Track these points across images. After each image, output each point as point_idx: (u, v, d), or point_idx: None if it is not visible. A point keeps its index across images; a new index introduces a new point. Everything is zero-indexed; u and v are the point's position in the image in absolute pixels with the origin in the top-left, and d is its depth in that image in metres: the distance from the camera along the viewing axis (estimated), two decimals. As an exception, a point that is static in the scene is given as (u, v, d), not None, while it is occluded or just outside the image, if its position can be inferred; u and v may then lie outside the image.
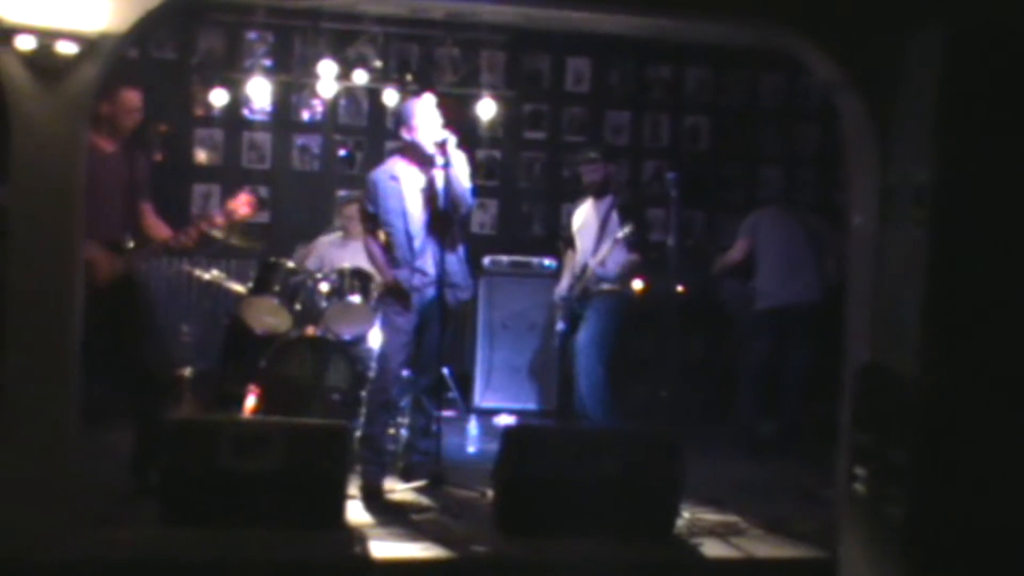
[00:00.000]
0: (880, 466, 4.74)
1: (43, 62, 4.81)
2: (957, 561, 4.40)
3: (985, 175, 4.47)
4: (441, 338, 6.43)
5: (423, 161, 6.37)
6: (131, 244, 5.81)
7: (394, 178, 6.42)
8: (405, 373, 6.66)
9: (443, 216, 6.32)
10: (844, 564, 5.13)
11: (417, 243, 6.35)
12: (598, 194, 7.43)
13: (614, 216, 7.21)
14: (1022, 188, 4.47)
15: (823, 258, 7.94)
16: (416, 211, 6.36)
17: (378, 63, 9.14)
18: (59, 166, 5.00)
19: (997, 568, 4.38)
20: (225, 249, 8.07)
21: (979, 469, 4.44)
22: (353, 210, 7.64)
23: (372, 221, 6.50)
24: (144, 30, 5.20)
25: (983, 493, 4.43)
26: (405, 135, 6.44)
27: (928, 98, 4.56)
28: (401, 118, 6.56)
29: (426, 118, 6.36)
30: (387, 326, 6.52)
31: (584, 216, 7.49)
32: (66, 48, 4.80)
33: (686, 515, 5.81)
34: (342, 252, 7.85)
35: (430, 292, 6.34)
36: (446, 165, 6.26)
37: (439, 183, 6.33)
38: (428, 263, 6.34)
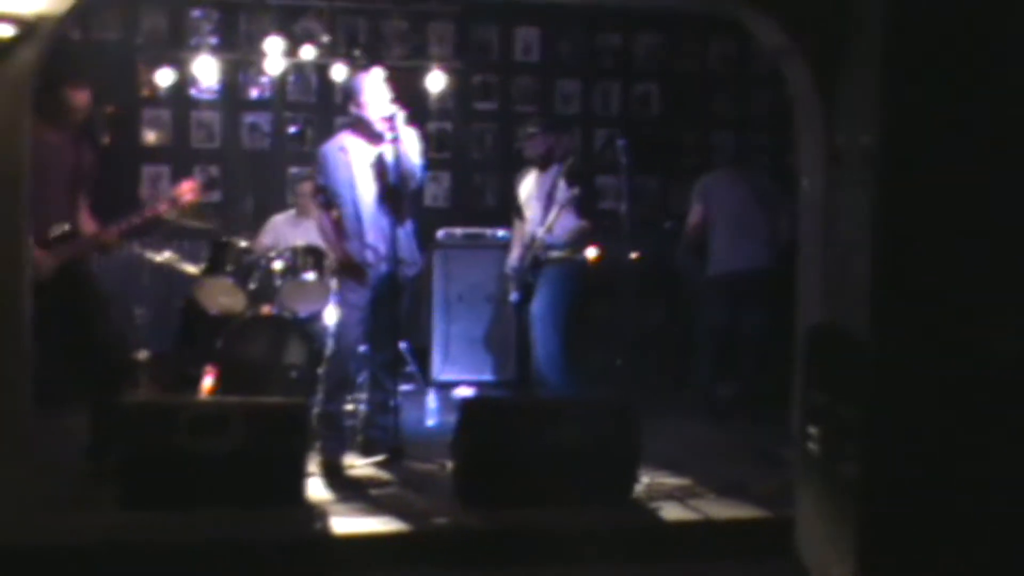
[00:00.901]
0: (833, 426, 4.79)
1: (-19, 46, 4.76)
2: (910, 519, 4.46)
3: (931, 136, 4.50)
4: (395, 313, 6.44)
5: (373, 136, 6.35)
6: (61, 234, 5.70)
7: (344, 151, 6.40)
8: (362, 349, 6.66)
9: (393, 191, 6.31)
10: (800, 523, 5.18)
11: (367, 217, 6.34)
12: (542, 166, 7.43)
13: (561, 184, 7.21)
14: (968, 149, 4.51)
15: (775, 220, 7.94)
16: (366, 185, 6.35)
17: (326, 38, 9.10)
18: (3, 150, 4.94)
19: (949, 525, 4.44)
20: (177, 230, 8.05)
21: (931, 427, 4.50)
22: (307, 187, 7.62)
23: (324, 195, 6.48)
24: (85, 11, 5.14)
25: (935, 451, 4.48)
26: (354, 110, 6.41)
27: (873, 61, 4.59)
28: (350, 93, 6.52)
29: (375, 92, 6.34)
30: (341, 302, 6.53)
31: (529, 187, 7.49)
32: (3, 31, 4.74)
33: (645, 480, 5.85)
34: (296, 230, 7.82)
35: (382, 267, 6.34)
36: (395, 139, 6.24)
37: (389, 158, 6.31)
38: (379, 238, 6.34)
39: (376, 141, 6.33)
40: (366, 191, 6.34)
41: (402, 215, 6.37)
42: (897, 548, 4.47)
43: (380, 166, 6.33)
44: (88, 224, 5.97)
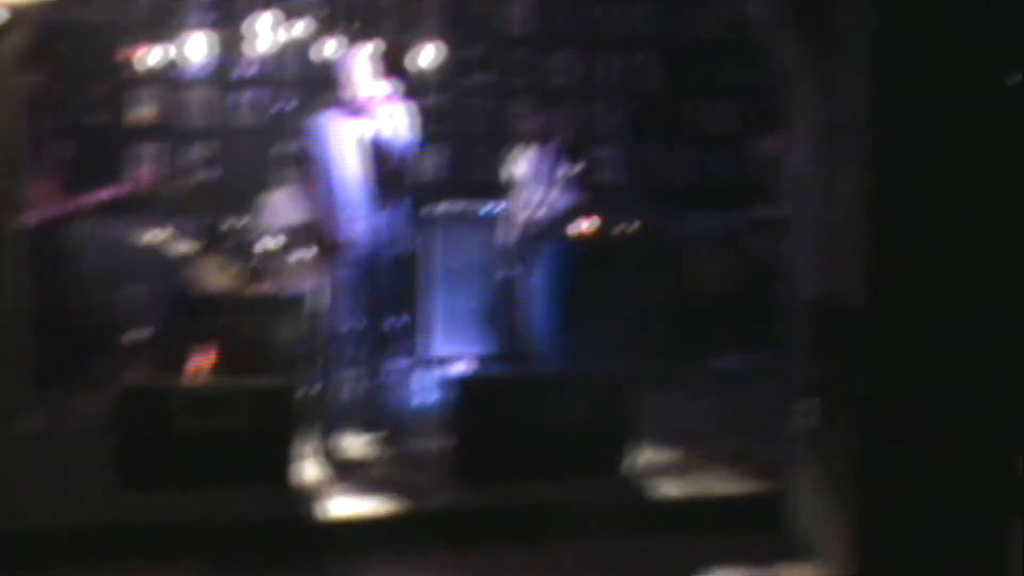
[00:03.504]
0: (830, 398, 4.79)
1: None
2: (905, 491, 4.46)
3: (923, 107, 4.48)
4: (388, 289, 6.41)
5: (361, 112, 6.31)
6: None
7: (333, 127, 6.36)
8: (358, 326, 6.63)
9: (380, 168, 6.28)
10: (796, 496, 5.18)
11: (355, 194, 6.31)
12: (539, 142, 7.39)
13: (558, 162, 7.18)
14: (961, 120, 4.49)
15: None
16: (353, 161, 6.31)
17: (317, 13, 9.02)
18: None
19: (945, 498, 4.44)
20: (171, 209, 8.03)
21: (927, 400, 4.49)
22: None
23: (312, 169, 6.45)
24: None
25: (931, 424, 4.48)
26: (343, 86, 6.38)
27: (866, 32, 4.56)
28: (339, 69, 6.49)
29: (363, 69, 6.30)
30: (330, 280, 6.49)
31: (525, 164, 7.46)
32: (-6, 17, 4.71)
33: (642, 455, 5.84)
34: (294, 207, 7.77)
35: (374, 243, 6.31)
36: (390, 115, 6.21)
37: (382, 134, 6.28)
38: (366, 215, 6.31)
39: (364, 118, 6.29)
40: (354, 167, 6.31)
41: (391, 191, 6.33)
42: (893, 521, 4.47)
43: (368, 143, 6.29)
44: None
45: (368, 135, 6.32)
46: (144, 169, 6.23)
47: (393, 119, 6.22)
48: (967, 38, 4.40)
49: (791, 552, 5.01)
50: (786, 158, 7.30)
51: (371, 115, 6.31)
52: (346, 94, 6.42)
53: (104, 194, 6.17)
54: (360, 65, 6.31)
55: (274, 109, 9.30)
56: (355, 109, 6.34)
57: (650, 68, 10.00)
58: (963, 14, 4.38)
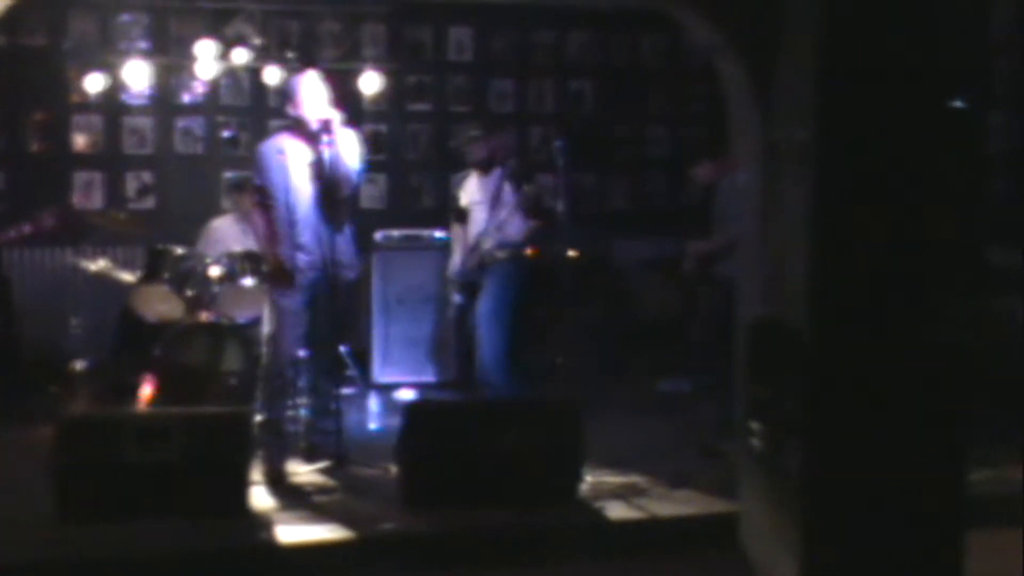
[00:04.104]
0: (775, 419, 4.84)
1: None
2: (853, 511, 4.50)
3: (865, 130, 4.55)
4: (333, 317, 6.40)
5: (310, 137, 6.30)
6: None
7: (280, 152, 6.34)
8: (301, 353, 6.61)
9: (329, 194, 6.28)
10: (744, 518, 5.23)
11: (301, 220, 6.30)
12: (485, 169, 7.41)
13: (506, 186, 7.21)
14: (902, 142, 4.57)
15: None
16: (302, 187, 6.30)
17: (258, 41, 9.01)
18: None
19: (892, 518, 4.50)
20: (112, 238, 7.97)
21: (872, 420, 4.55)
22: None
23: (260, 195, 6.43)
24: (12, 16, 5.04)
25: (876, 443, 4.53)
26: (291, 111, 6.37)
27: (807, 57, 4.63)
28: (287, 94, 6.49)
29: (311, 94, 6.30)
30: (274, 307, 6.46)
31: (472, 190, 7.48)
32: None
33: (589, 479, 5.87)
34: (238, 235, 7.75)
35: (316, 271, 6.31)
36: (331, 143, 6.21)
37: (325, 161, 6.27)
38: (313, 241, 6.30)
39: (313, 142, 6.29)
40: (302, 193, 6.30)
41: (340, 218, 6.33)
42: (841, 542, 4.52)
43: (317, 168, 6.29)
44: None
45: (312, 162, 6.32)
46: (49, 213, 6.35)
47: (336, 146, 6.22)
48: (909, 62, 4.48)
49: (744, 572, 5.05)
50: (720, 184, 7.46)
51: (315, 142, 6.30)
52: (290, 121, 6.42)
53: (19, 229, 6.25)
54: (307, 90, 6.30)
55: (219, 135, 9.26)
56: (302, 134, 6.33)
57: (585, 95, 10.10)
58: (911, 37, 4.47)
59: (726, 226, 7.39)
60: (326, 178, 6.25)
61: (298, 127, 6.35)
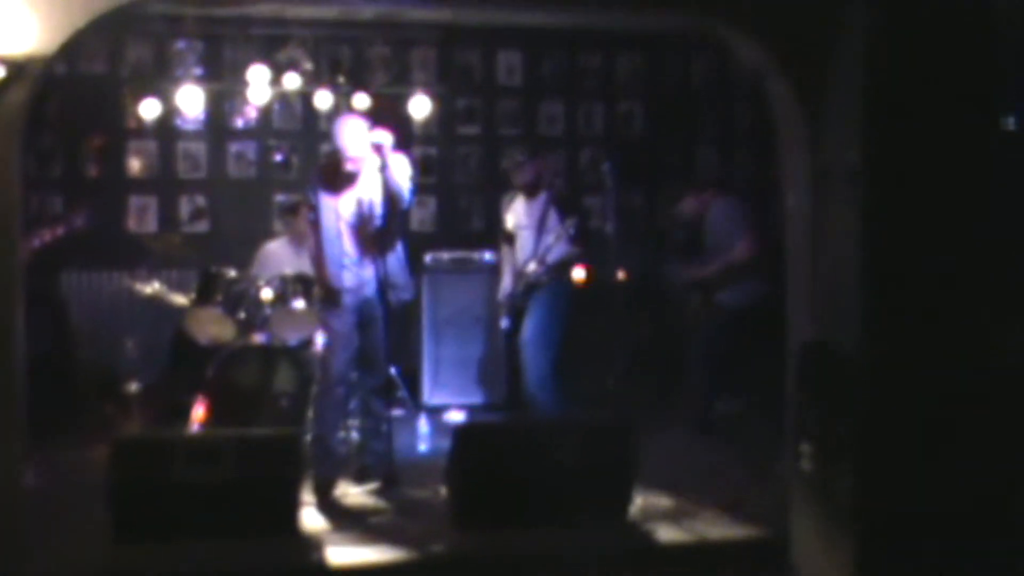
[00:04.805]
0: (826, 443, 4.82)
1: (-29, 87, 4.74)
2: (904, 534, 4.48)
3: (914, 153, 4.54)
4: (385, 338, 6.45)
5: (358, 161, 6.38)
6: None
7: (329, 177, 6.44)
8: (353, 375, 6.66)
9: (377, 217, 6.35)
10: (795, 541, 5.20)
11: (350, 242, 6.38)
12: (531, 192, 7.43)
13: (552, 212, 7.23)
14: (951, 164, 4.55)
15: None
16: (349, 212, 6.39)
17: (309, 66, 9.10)
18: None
19: (943, 540, 4.47)
20: (166, 261, 8.06)
21: (922, 442, 4.52)
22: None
23: (313, 214, 6.52)
24: (72, 47, 5.13)
25: (927, 466, 4.51)
26: (339, 138, 6.46)
27: (856, 79, 4.63)
28: (334, 122, 6.63)
29: (351, 138, 6.40)
30: (326, 328, 6.56)
31: (518, 214, 7.49)
32: (-7, 73, 4.73)
33: (640, 500, 5.86)
34: (292, 257, 7.81)
35: (367, 292, 6.38)
36: (383, 167, 6.27)
37: (376, 184, 6.35)
38: (364, 263, 6.37)
39: (359, 167, 6.37)
40: (347, 218, 6.40)
41: (390, 240, 6.39)
42: (892, 564, 4.49)
43: (363, 193, 6.38)
44: None
45: (363, 185, 6.40)
46: (78, 214, 6.51)
47: (387, 169, 6.29)
48: (961, 84, 4.47)
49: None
50: (708, 215, 7.59)
51: (366, 164, 6.38)
52: (341, 144, 6.49)
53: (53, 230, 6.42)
54: (349, 135, 6.40)
55: (270, 159, 9.36)
56: (350, 158, 6.40)
57: (634, 117, 10.11)
58: (959, 61, 4.46)
59: (720, 254, 7.62)
60: (372, 203, 6.33)
61: (345, 151, 6.42)
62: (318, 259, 6.51)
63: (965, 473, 4.55)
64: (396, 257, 6.43)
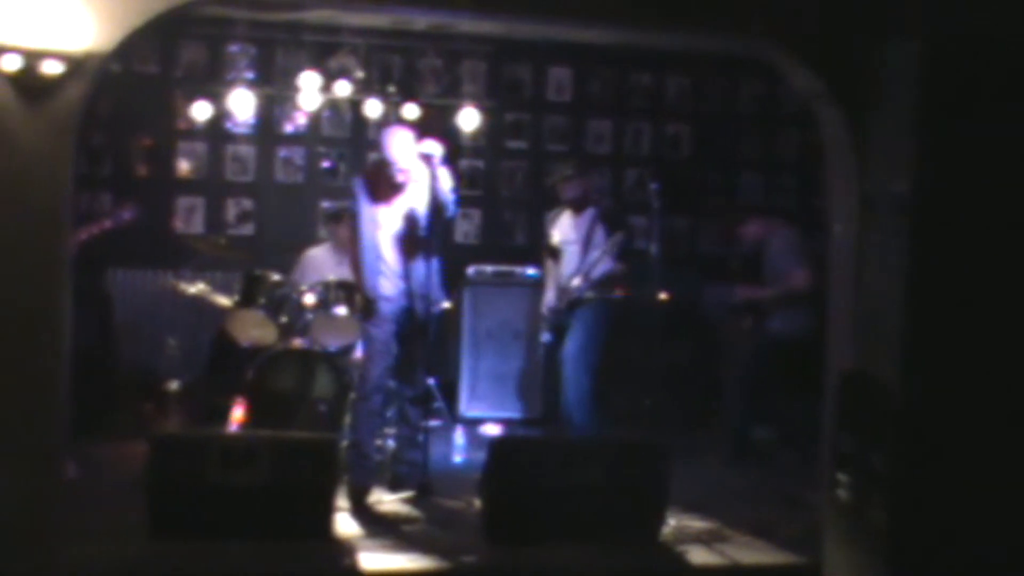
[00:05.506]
0: (862, 472, 4.79)
1: (29, 82, 4.79)
2: (940, 566, 4.45)
3: (964, 183, 4.52)
4: (422, 348, 6.49)
5: (403, 172, 6.44)
6: None
7: (373, 186, 6.50)
8: (391, 383, 6.70)
9: (421, 227, 6.42)
10: (828, 570, 5.17)
11: (389, 252, 6.45)
12: (578, 208, 7.44)
13: (598, 228, 7.25)
14: (1000, 195, 4.53)
15: None
16: (393, 221, 6.46)
17: (360, 74, 9.18)
18: (46, 186, 4.99)
19: (979, 570, 4.44)
20: (211, 262, 8.13)
21: (960, 474, 4.49)
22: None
23: (355, 222, 6.60)
24: (128, 46, 5.19)
25: (964, 498, 4.48)
26: (386, 149, 6.53)
27: (907, 107, 4.61)
28: (382, 132, 6.69)
29: (400, 149, 6.46)
30: (365, 336, 6.65)
31: (565, 229, 7.50)
32: (52, 68, 4.78)
33: (672, 522, 5.86)
34: (332, 264, 7.86)
35: (402, 301, 6.43)
36: (432, 178, 6.32)
37: (420, 194, 6.40)
38: (404, 272, 6.43)
39: (404, 178, 6.43)
40: (391, 227, 6.46)
41: (427, 251, 6.42)
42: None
43: (407, 203, 6.46)
44: None
45: (407, 195, 6.45)
46: (125, 208, 6.66)
47: (432, 181, 6.33)
48: (1017, 115, 4.45)
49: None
50: (769, 240, 7.56)
51: (411, 175, 6.43)
52: (390, 155, 6.53)
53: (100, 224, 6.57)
54: (397, 145, 6.46)
55: (318, 165, 9.42)
56: (396, 168, 6.45)
57: (681, 139, 10.11)
58: (1010, 90, 4.44)
59: (779, 281, 7.57)
60: (415, 212, 6.39)
61: (392, 161, 6.48)
62: (356, 267, 6.58)
63: (1004, 509, 4.51)
64: (430, 268, 6.45)
